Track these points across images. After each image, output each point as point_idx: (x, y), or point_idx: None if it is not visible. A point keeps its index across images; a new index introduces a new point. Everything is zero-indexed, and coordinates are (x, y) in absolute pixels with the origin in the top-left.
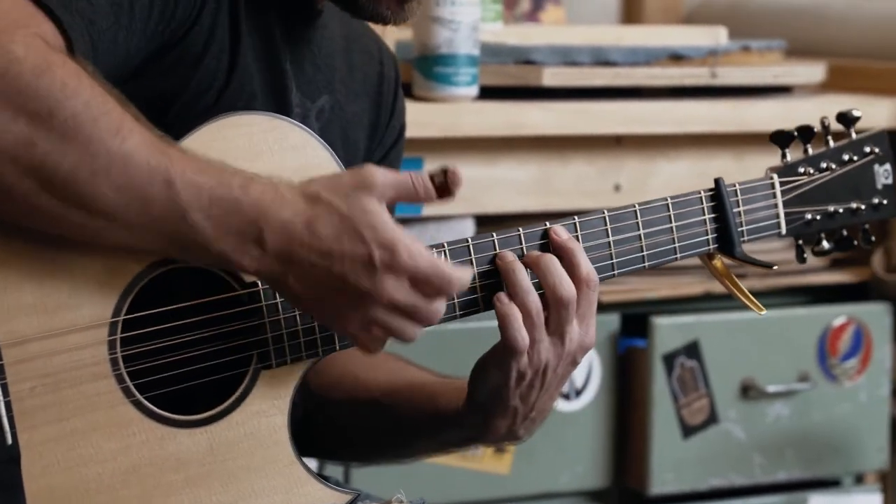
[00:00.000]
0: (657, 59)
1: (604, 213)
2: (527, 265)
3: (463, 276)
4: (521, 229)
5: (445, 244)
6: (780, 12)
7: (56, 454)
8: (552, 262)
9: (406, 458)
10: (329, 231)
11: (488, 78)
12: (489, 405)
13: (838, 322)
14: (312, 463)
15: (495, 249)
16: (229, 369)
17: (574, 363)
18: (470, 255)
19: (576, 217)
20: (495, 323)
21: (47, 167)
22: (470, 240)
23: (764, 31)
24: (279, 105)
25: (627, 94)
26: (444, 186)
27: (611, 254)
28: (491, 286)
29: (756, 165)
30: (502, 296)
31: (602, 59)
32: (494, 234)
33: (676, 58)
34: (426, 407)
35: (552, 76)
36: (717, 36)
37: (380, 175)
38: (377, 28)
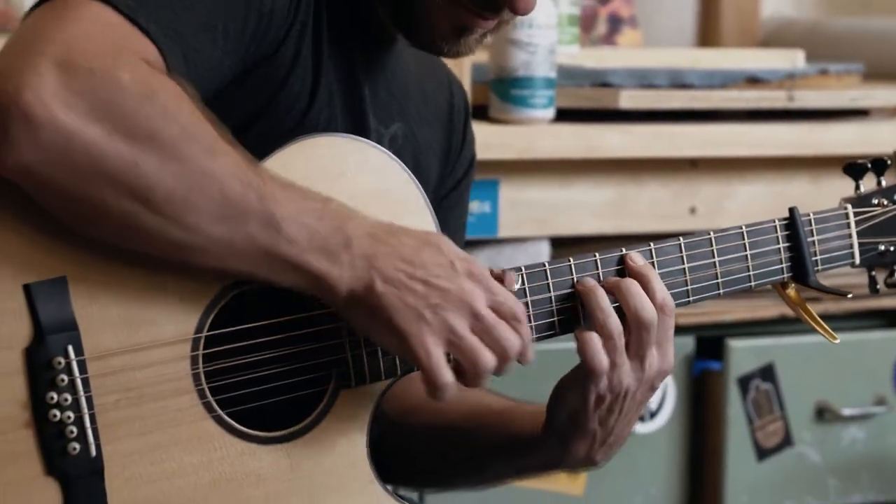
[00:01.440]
0: (734, 82)
1: (679, 240)
2: (607, 289)
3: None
4: (597, 254)
5: (523, 268)
6: (858, 35)
7: (139, 467)
8: (633, 285)
9: (482, 485)
10: (411, 242)
11: (565, 100)
12: (568, 429)
13: None
14: None
15: (572, 274)
16: (309, 388)
17: (652, 389)
18: (547, 280)
19: (651, 244)
20: (568, 345)
21: (149, 187)
22: (547, 264)
23: (842, 54)
24: (358, 128)
25: (704, 116)
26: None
27: (686, 280)
28: (567, 310)
29: (833, 189)
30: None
31: (678, 81)
32: (571, 259)
33: (753, 80)
34: (503, 432)
35: (628, 99)
36: (794, 59)
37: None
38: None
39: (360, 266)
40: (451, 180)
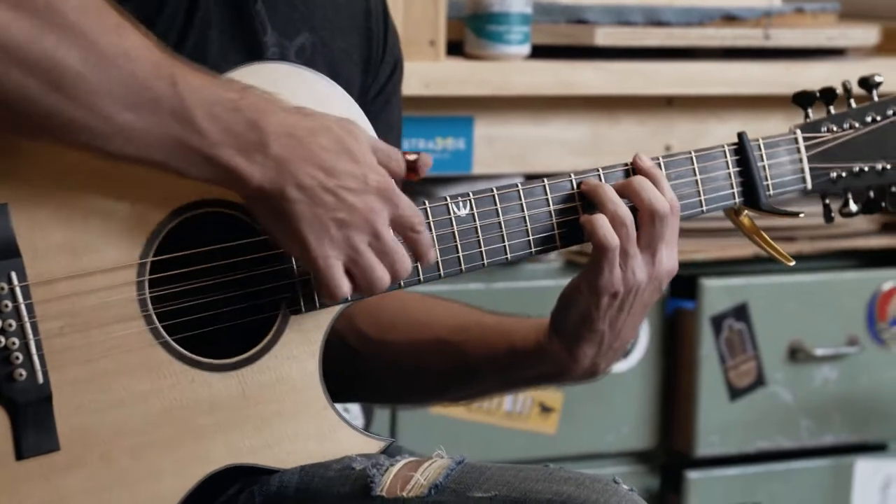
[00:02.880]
0: (710, 20)
1: (628, 165)
2: (615, 189)
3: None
4: (600, 169)
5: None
6: None
7: (88, 395)
8: (644, 181)
9: (473, 397)
10: (330, 145)
11: (540, 37)
12: (576, 332)
13: (887, 286)
14: (359, 415)
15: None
16: (258, 313)
17: (659, 289)
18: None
19: (600, 168)
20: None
21: (55, 62)
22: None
23: None
24: (249, 47)
25: (680, 54)
26: (414, 167)
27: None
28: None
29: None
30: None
31: (655, 19)
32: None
33: (730, 18)
34: (500, 343)
35: (604, 36)
36: None
37: (366, 127)
38: None
39: (273, 167)
40: (375, 86)
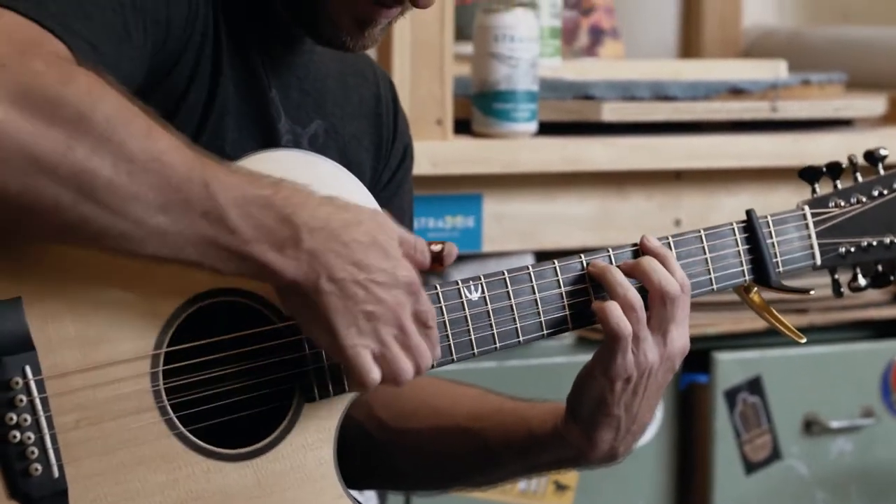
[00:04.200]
0: (717, 94)
1: (636, 246)
2: (625, 271)
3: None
4: (610, 249)
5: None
6: (839, 44)
7: (103, 488)
8: (654, 262)
9: (493, 483)
10: (362, 238)
11: (547, 113)
12: (593, 418)
13: None
14: (372, 496)
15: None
16: (273, 402)
17: (672, 369)
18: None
19: (609, 249)
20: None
21: (87, 172)
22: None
23: (823, 63)
24: (265, 133)
25: (687, 128)
26: (439, 257)
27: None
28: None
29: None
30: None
31: (661, 93)
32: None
33: (736, 92)
34: (518, 429)
35: (611, 111)
36: (776, 69)
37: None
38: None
39: (306, 261)
40: (386, 173)
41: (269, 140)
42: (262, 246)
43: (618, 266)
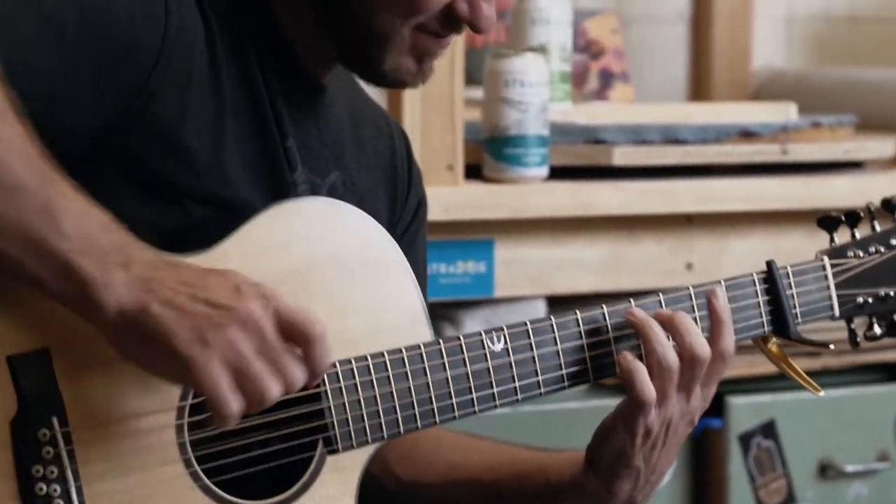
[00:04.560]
0: (727, 137)
1: (659, 296)
2: (661, 322)
3: (322, 329)
4: (631, 301)
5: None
6: (849, 86)
7: None
8: (688, 320)
9: None
10: (196, 270)
11: (558, 158)
12: (613, 468)
13: None
14: None
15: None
16: (296, 453)
17: (692, 423)
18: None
19: (631, 300)
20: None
21: None
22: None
23: (833, 104)
24: (277, 181)
25: (698, 171)
26: None
27: (668, 336)
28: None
29: (829, 243)
30: (627, 354)
31: (672, 137)
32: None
33: (747, 135)
34: (535, 479)
35: (622, 155)
36: (787, 112)
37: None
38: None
39: (135, 286)
40: (401, 225)
41: (278, 189)
42: (88, 258)
43: (653, 315)
